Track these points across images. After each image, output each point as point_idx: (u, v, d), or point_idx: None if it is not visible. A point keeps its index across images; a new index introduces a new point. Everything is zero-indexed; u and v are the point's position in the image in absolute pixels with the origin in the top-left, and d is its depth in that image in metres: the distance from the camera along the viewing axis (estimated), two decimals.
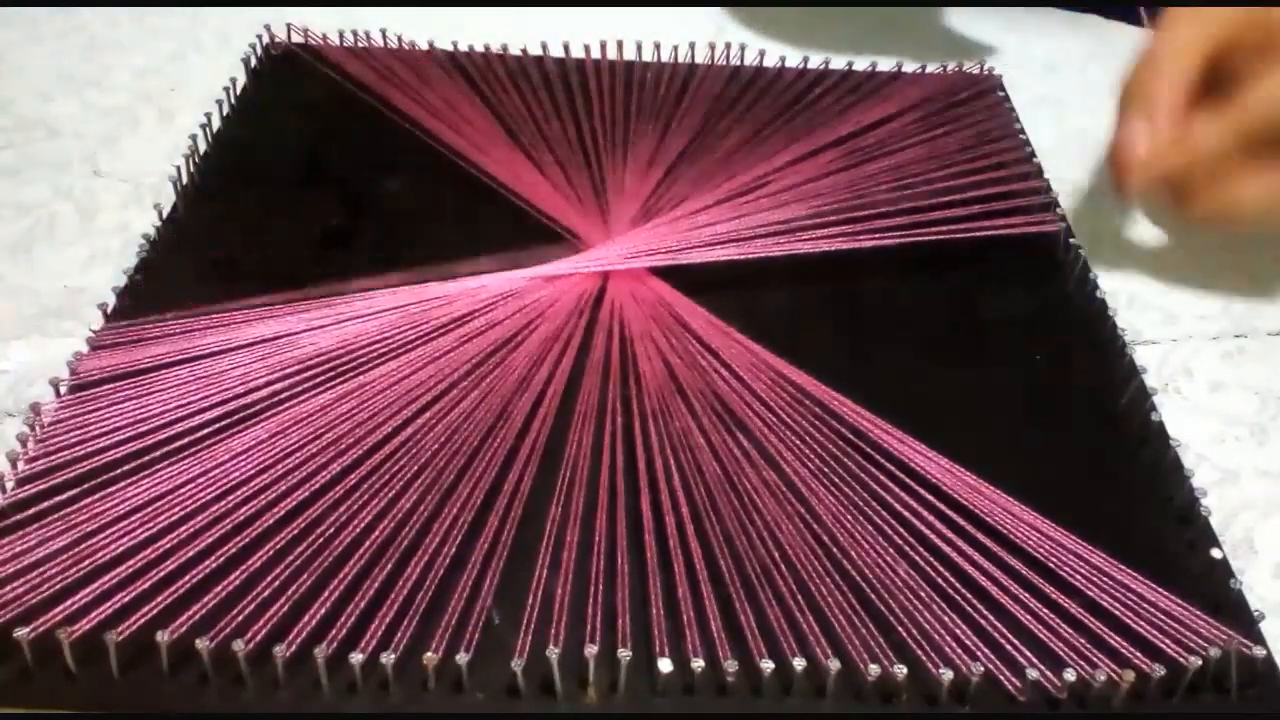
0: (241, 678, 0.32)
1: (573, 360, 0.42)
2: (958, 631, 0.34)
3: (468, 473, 0.37)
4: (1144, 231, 0.48)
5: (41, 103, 0.57)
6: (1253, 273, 0.51)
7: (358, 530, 0.35)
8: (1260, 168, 0.45)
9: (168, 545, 0.34)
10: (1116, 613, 0.34)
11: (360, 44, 0.58)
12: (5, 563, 0.33)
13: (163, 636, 0.31)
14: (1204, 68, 0.45)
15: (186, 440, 0.37)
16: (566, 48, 0.58)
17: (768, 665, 0.32)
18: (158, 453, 0.37)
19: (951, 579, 0.35)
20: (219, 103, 0.53)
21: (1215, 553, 0.37)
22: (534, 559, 0.35)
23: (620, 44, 0.59)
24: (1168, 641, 0.34)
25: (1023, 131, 0.56)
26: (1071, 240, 0.49)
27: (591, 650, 0.32)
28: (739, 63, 0.59)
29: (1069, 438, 0.42)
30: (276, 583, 0.33)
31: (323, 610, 0.33)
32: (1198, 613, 0.34)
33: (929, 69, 0.60)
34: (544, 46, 0.59)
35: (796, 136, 0.54)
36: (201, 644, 0.31)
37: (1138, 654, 0.33)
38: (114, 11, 0.64)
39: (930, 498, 0.37)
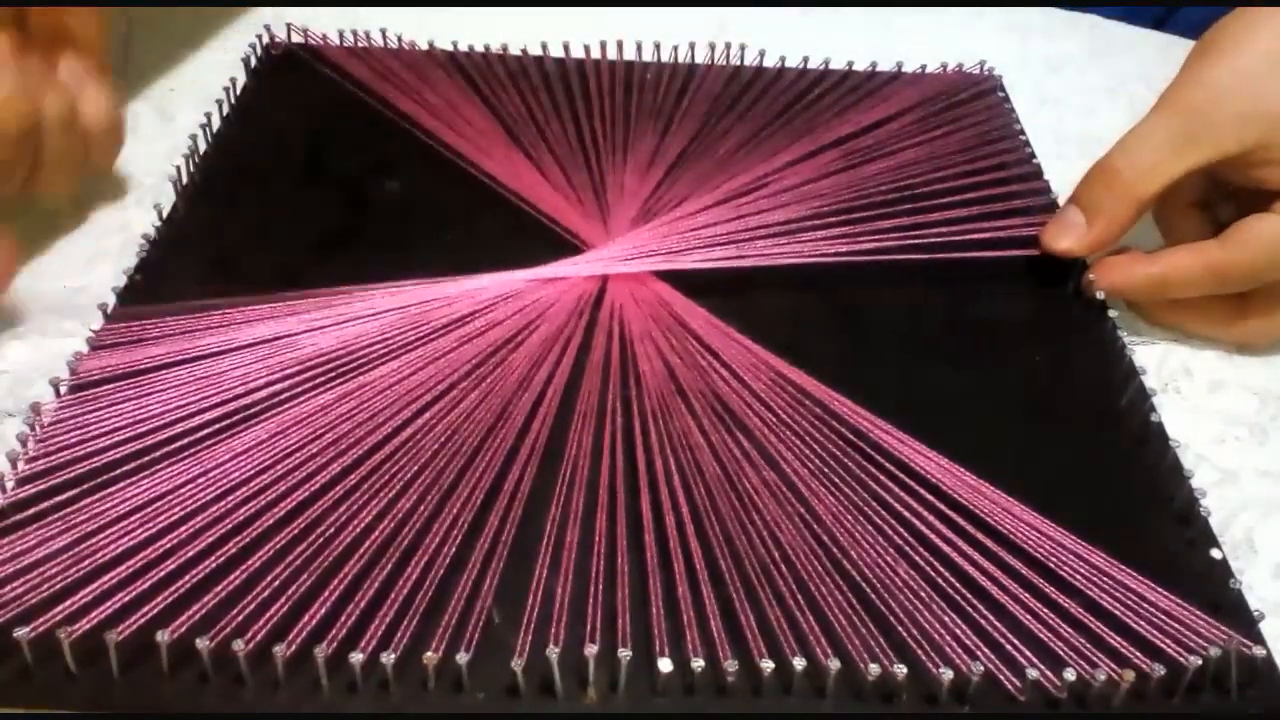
0: (241, 678, 0.32)
1: (573, 361, 0.42)
2: (958, 631, 0.34)
3: (468, 473, 0.37)
4: (1143, 232, 0.48)
5: None
6: None
7: (358, 530, 0.35)
8: (1215, 304, 0.45)
9: (168, 545, 0.34)
10: (1116, 613, 0.34)
11: (360, 44, 0.58)
12: (5, 563, 0.33)
13: (163, 636, 0.31)
14: (1181, 184, 0.45)
15: (186, 440, 0.37)
16: (566, 48, 0.58)
17: (768, 665, 0.32)
18: (158, 453, 0.37)
19: (951, 579, 0.35)
20: (219, 103, 0.53)
21: (1215, 553, 0.37)
22: (534, 559, 0.35)
23: (620, 44, 0.59)
24: (1168, 641, 0.34)
25: (1023, 132, 0.56)
26: None
27: (591, 650, 0.32)
28: (739, 63, 0.59)
29: (1069, 438, 0.42)
30: (276, 583, 0.33)
31: (323, 610, 0.33)
32: (1198, 613, 0.34)
33: (928, 69, 0.60)
34: (544, 46, 0.59)
35: (796, 137, 0.54)
36: (201, 644, 0.31)
37: (1138, 654, 0.33)
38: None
39: (930, 498, 0.37)
